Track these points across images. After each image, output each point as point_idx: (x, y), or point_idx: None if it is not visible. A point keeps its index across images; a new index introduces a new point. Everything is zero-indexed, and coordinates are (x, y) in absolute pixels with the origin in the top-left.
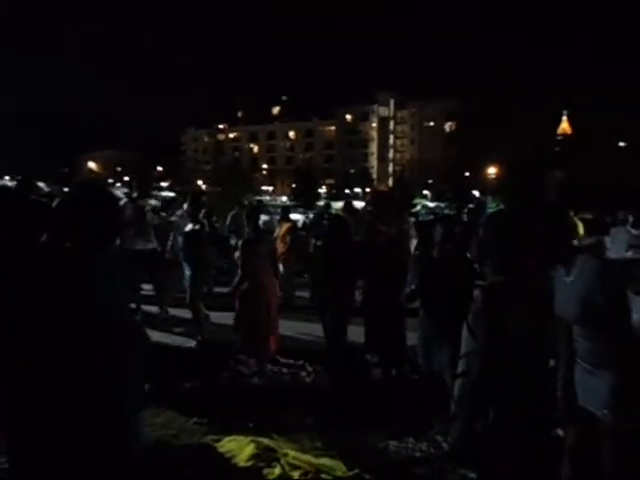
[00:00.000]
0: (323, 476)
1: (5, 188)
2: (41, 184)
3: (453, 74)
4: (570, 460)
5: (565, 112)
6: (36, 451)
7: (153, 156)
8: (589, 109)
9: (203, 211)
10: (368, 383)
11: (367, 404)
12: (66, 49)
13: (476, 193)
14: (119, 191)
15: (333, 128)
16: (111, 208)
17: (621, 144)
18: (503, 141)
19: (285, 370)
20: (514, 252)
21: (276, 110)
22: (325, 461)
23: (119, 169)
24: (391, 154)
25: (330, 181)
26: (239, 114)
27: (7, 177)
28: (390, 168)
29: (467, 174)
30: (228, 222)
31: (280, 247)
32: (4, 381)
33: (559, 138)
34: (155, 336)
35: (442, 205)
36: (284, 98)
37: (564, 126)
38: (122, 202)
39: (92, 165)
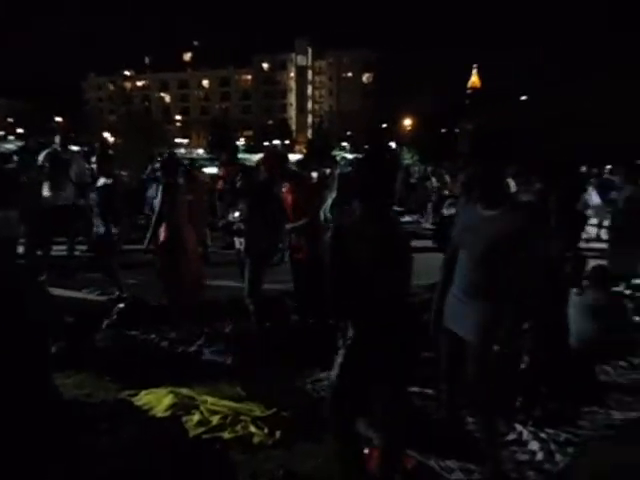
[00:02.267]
0: (242, 418)
1: None
2: None
3: (370, 25)
4: (444, 381)
5: (475, 65)
6: None
7: (50, 105)
8: (497, 63)
9: None
10: (287, 328)
11: (285, 348)
12: None
13: (393, 144)
14: (12, 145)
15: (250, 77)
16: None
17: (523, 98)
18: (418, 94)
19: (204, 322)
20: (374, 190)
21: (187, 56)
22: (244, 404)
23: (10, 120)
24: (310, 105)
25: (248, 133)
26: (146, 60)
27: None
28: (309, 119)
29: (384, 126)
30: (146, 175)
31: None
32: None
33: (469, 92)
34: (69, 294)
35: (360, 156)
36: (196, 43)
37: (474, 80)
38: (41, 155)
39: None
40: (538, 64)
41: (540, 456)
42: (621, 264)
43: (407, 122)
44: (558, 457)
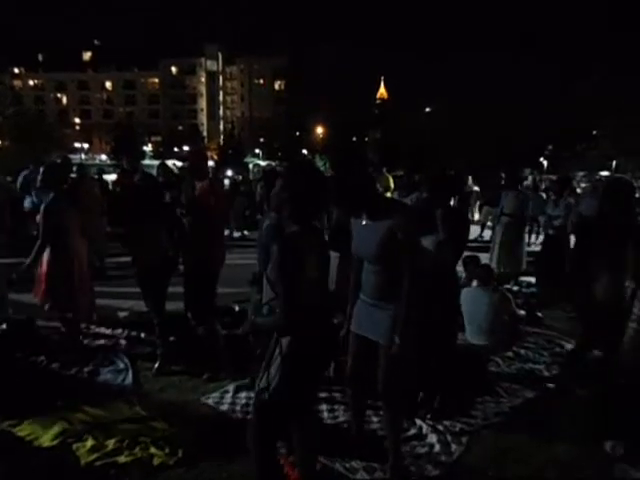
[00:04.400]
0: (141, 439)
1: None
2: None
3: (280, 31)
4: (350, 383)
5: (382, 77)
6: None
7: None
8: (403, 74)
9: None
10: (189, 340)
11: (190, 360)
12: None
13: (305, 152)
14: None
15: (157, 80)
16: None
17: (427, 109)
18: (329, 102)
19: (101, 340)
20: (306, 203)
21: (87, 56)
22: (145, 424)
23: None
24: (221, 111)
25: (156, 138)
26: (39, 57)
27: None
28: (221, 126)
29: (297, 133)
30: (19, 183)
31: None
32: None
33: (378, 102)
34: None
35: (273, 164)
36: (97, 42)
37: (382, 91)
38: None
39: None
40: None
41: (437, 448)
42: (505, 264)
43: (319, 130)
44: (454, 447)
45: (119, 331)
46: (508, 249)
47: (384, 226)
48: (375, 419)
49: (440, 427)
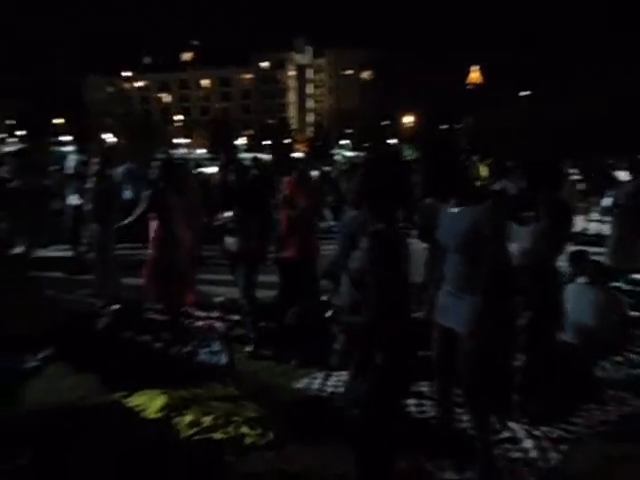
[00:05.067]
0: (234, 418)
1: None
2: None
3: (369, 22)
4: (436, 376)
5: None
6: None
7: (50, 106)
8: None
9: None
10: (282, 326)
11: (281, 346)
12: None
13: (393, 141)
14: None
15: (250, 76)
16: None
17: (522, 93)
18: (419, 90)
19: (199, 323)
20: (387, 198)
21: (187, 56)
22: (237, 405)
23: (11, 122)
24: (310, 104)
25: (249, 132)
26: (145, 60)
27: None
28: (309, 118)
29: (385, 123)
30: (121, 175)
31: None
32: None
33: (469, 87)
34: (62, 295)
35: (361, 155)
36: (196, 43)
37: (474, 75)
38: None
39: None
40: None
41: (533, 454)
42: (622, 260)
43: (408, 119)
44: (552, 454)
45: (215, 315)
46: (623, 244)
47: (472, 215)
48: (466, 417)
49: (537, 432)
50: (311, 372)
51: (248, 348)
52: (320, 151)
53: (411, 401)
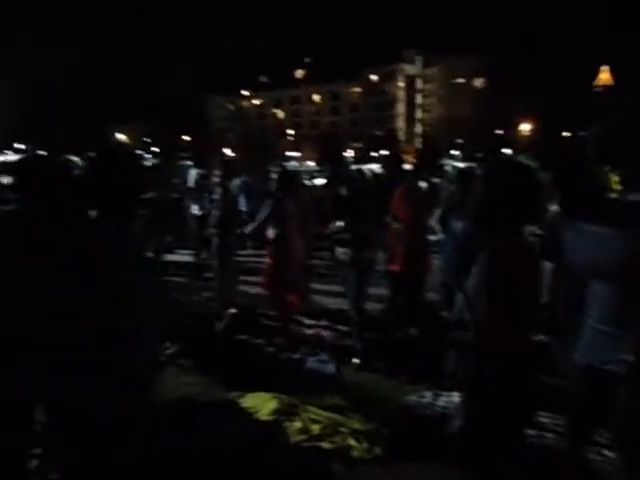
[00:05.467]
0: (341, 429)
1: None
2: (75, 158)
3: (480, 29)
4: (576, 413)
5: (604, 67)
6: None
7: (179, 125)
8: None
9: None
10: (391, 339)
11: (389, 360)
12: (84, 16)
13: (508, 150)
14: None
15: (359, 90)
16: (135, 176)
17: None
18: (536, 95)
19: (309, 331)
20: (522, 209)
21: (300, 73)
22: (344, 416)
23: (147, 140)
24: (418, 114)
25: (357, 144)
26: (262, 79)
27: (44, 152)
28: (418, 129)
29: (499, 132)
30: (237, 187)
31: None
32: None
33: (598, 90)
34: (184, 297)
35: (473, 165)
36: (308, 60)
37: (604, 77)
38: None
39: (121, 137)
40: None
41: None
42: None
43: (524, 127)
44: None
45: (324, 324)
46: None
47: (626, 236)
48: (597, 457)
49: None
50: (419, 389)
51: (356, 360)
52: (429, 162)
53: (530, 431)
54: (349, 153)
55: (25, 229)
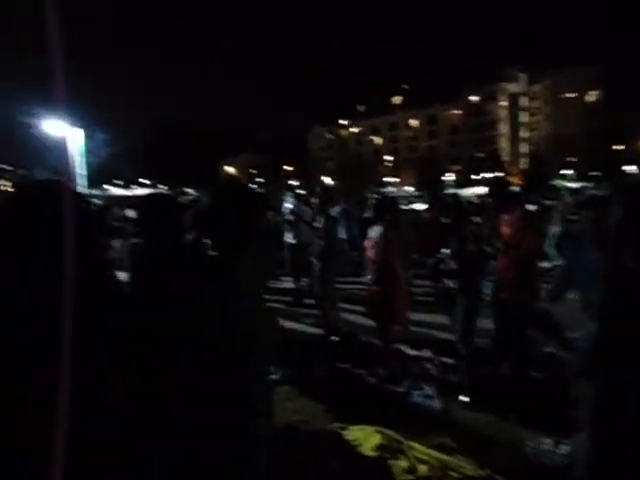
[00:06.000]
0: (451, 474)
1: (165, 197)
2: (189, 190)
3: (589, 40)
4: None
5: None
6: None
7: (282, 156)
8: None
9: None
10: (500, 377)
11: (501, 400)
12: (196, 59)
13: (632, 168)
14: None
15: (458, 112)
16: (253, 210)
17: None
18: None
19: (412, 362)
20: None
21: (397, 99)
22: (453, 458)
23: (253, 171)
24: (524, 133)
25: (457, 167)
26: (360, 108)
27: (162, 186)
28: (522, 148)
29: (618, 147)
30: (337, 214)
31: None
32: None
33: None
34: (287, 323)
35: (589, 185)
36: (404, 87)
37: None
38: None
39: (230, 169)
40: None
41: None
42: None
43: None
44: None
45: (429, 356)
46: None
47: None
48: None
49: None
50: (536, 433)
51: (463, 397)
52: (538, 183)
53: None
54: (449, 177)
55: (148, 263)
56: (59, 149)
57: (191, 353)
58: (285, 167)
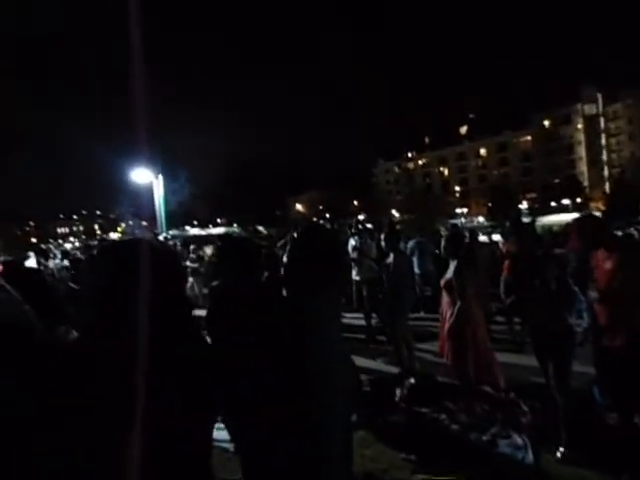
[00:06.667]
0: None
1: (243, 239)
2: (260, 227)
3: None
4: None
5: None
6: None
7: (348, 191)
8: None
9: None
10: (605, 427)
11: (602, 453)
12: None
13: None
14: None
15: (529, 138)
16: (335, 252)
17: None
18: None
19: (497, 406)
20: None
21: (464, 129)
22: None
23: (321, 207)
24: (604, 156)
25: (531, 195)
26: (426, 140)
27: (235, 224)
28: (605, 172)
29: None
30: (410, 248)
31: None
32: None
33: None
34: (361, 364)
35: None
36: (471, 116)
37: None
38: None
39: (299, 206)
40: None
41: None
42: None
43: None
44: None
45: (517, 402)
46: None
47: None
48: None
49: None
50: None
51: (559, 452)
52: (623, 208)
53: None
54: (523, 205)
55: (228, 302)
56: (145, 195)
57: (270, 393)
58: (353, 202)
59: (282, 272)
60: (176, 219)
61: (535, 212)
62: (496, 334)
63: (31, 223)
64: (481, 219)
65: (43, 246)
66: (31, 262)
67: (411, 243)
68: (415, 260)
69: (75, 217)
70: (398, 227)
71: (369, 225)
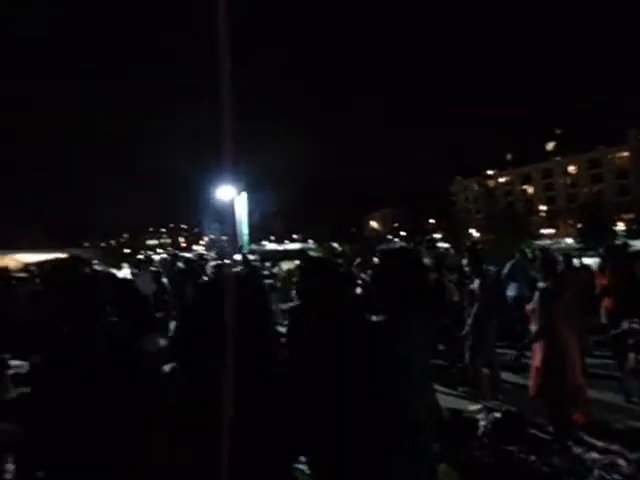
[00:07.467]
0: None
1: (323, 261)
2: (334, 244)
3: None
4: None
5: None
6: None
7: (424, 209)
8: None
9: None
10: None
11: None
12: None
13: None
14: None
15: (626, 154)
16: (419, 277)
17: None
18: None
19: (595, 455)
20: None
21: (550, 146)
22: None
23: (396, 225)
24: None
25: (628, 216)
26: (508, 157)
27: (311, 241)
28: None
29: None
30: (506, 271)
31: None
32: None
33: None
34: (441, 390)
35: None
36: (558, 132)
37: None
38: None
39: (373, 224)
40: None
41: None
42: None
43: None
44: None
45: (616, 448)
46: None
47: None
48: None
49: None
50: None
51: None
52: None
53: None
54: (618, 226)
55: (304, 327)
56: (228, 212)
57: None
58: (428, 220)
59: (362, 293)
60: (255, 234)
61: (633, 234)
62: (593, 368)
63: (125, 235)
64: (569, 240)
65: (141, 256)
66: (124, 272)
67: (509, 264)
68: (510, 284)
69: (163, 230)
70: (479, 247)
71: (446, 244)
